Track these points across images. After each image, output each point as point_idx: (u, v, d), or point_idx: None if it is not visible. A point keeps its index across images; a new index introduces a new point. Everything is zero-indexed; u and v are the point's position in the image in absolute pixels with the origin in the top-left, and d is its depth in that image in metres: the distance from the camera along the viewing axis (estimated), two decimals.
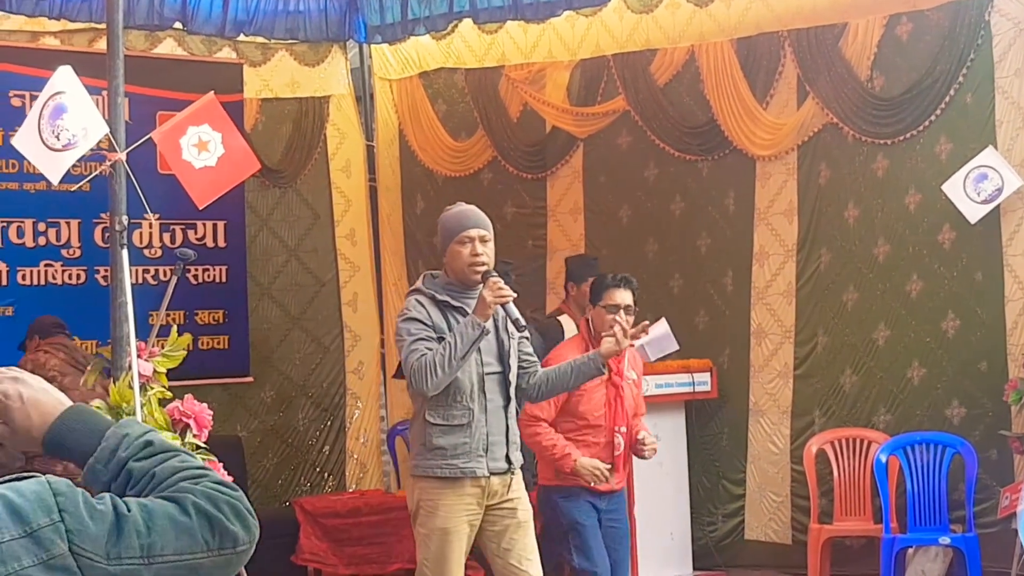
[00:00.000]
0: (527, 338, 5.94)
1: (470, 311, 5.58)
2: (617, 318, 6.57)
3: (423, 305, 5.66)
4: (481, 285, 5.63)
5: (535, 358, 6.03)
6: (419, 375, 5.51)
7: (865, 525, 8.69)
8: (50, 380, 2.38)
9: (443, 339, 5.55)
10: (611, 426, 6.71)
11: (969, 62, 8.60)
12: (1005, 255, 8.47)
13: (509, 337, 5.76)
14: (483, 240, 5.68)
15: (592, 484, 6.57)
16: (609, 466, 6.62)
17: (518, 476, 5.83)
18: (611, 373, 6.67)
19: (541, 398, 6.16)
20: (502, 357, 5.74)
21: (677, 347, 8.78)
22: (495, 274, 5.61)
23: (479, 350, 5.61)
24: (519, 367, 5.89)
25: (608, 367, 6.57)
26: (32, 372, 2.37)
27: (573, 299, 8.58)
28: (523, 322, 5.57)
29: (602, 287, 6.81)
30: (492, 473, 5.68)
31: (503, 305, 5.53)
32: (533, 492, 6.72)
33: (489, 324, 5.58)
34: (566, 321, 8.54)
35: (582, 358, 6.08)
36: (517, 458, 5.79)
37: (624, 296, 6.74)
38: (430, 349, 5.52)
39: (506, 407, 5.76)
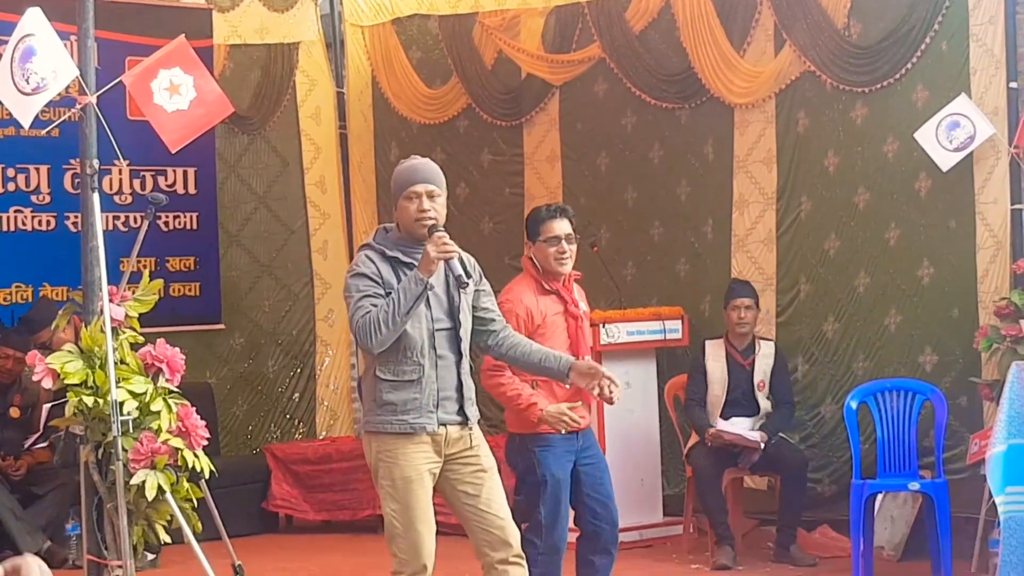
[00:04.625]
0: (483, 291, 5.76)
1: None
2: (559, 249, 6.45)
3: (373, 261, 5.56)
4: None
5: (497, 314, 5.85)
6: (364, 332, 5.43)
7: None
8: None
9: (391, 295, 5.49)
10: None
11: (944, 9, 8.53)
12: (977, 203, 8.42)
13: (461, 293, 5.65)
14: (431, 195, 5.56)
15: (562, 431, 6.39)
16: (578, 404, 6.43)
17: (477, 429, 5.75)
18: (567, 304, 6.52)
19: (502, 360, 5.97)
20: (452, 313, 5.62)
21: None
22: (441, 229, 5.50)
23: (428, 305, 5.51)
24: (477, 323, 5.76)
25: (563, 299, 6.52)
26: None
27: None
28: (465, 279, 5.43)
29: (537, 221, 6.58)
30: (445, 424, 5.58)
31: (447, 261, 5.45)
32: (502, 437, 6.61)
33: (436, 280, 5.49)
34: None
35: (555, 361, 5.78)
36: (473, 413, 5.66)
37: (562, 226, 6.53)
38: (375, 306, 5.43)
39: (458, 363, 5.64)
